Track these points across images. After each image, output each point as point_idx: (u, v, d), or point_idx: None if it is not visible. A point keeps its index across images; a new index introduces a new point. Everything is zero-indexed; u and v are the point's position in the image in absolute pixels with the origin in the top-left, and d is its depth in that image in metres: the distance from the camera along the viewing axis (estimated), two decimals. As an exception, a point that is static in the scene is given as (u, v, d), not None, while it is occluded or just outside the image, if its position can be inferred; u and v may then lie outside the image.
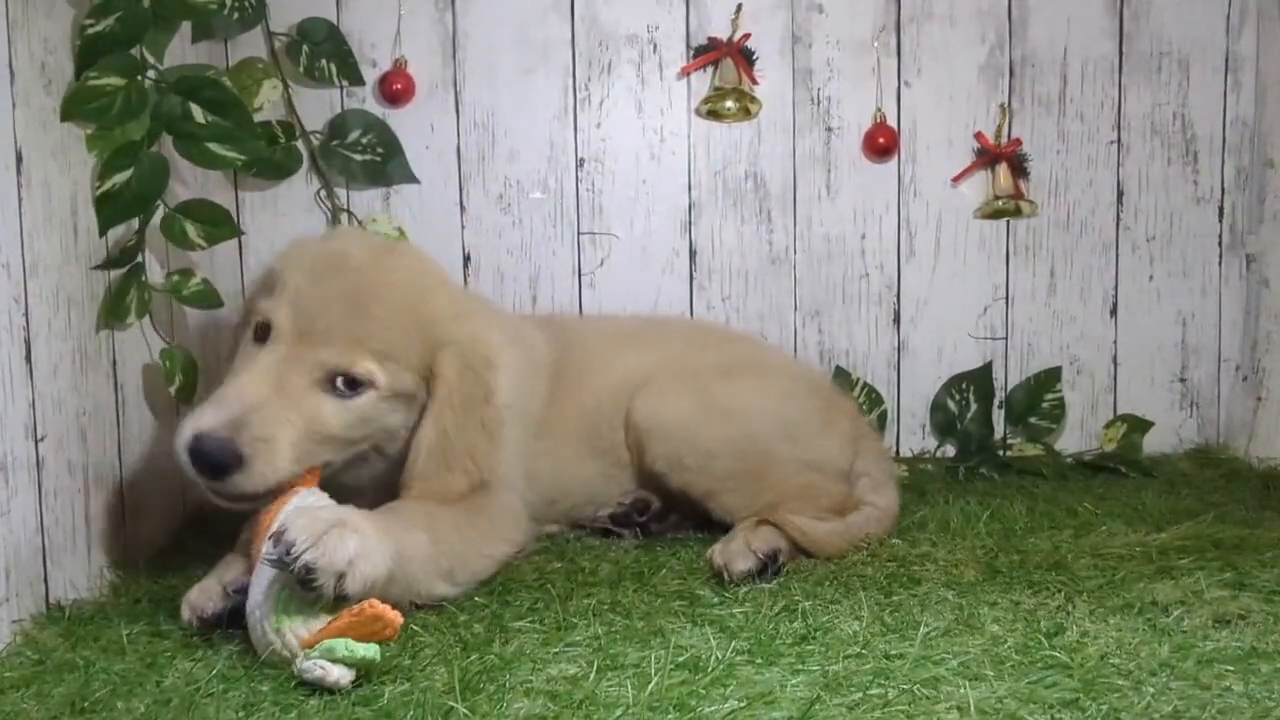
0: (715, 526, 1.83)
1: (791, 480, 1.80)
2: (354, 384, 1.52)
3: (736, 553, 1.63)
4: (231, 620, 1.38)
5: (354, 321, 1.51)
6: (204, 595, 1.44)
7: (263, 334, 1.53)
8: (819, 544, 1.71)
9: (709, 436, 1.80)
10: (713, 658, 1.28)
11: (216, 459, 1.41)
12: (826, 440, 1.89)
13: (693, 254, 2.32)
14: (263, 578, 1.31)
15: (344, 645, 1.22)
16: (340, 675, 1.22)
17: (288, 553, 1.25)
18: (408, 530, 1.43)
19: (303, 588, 1.26)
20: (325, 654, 1.23)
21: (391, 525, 1.40)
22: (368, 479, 1.61)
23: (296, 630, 1.27)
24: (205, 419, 1.43)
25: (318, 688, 1.22)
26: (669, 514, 1.87)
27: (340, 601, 1.27)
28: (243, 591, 1.36)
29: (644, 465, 1.85)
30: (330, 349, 1.50)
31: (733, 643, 1.32)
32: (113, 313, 1.67)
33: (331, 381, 1.51)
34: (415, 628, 1.39)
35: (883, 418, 2.34)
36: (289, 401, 1.46)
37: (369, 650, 1.23)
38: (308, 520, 1.29)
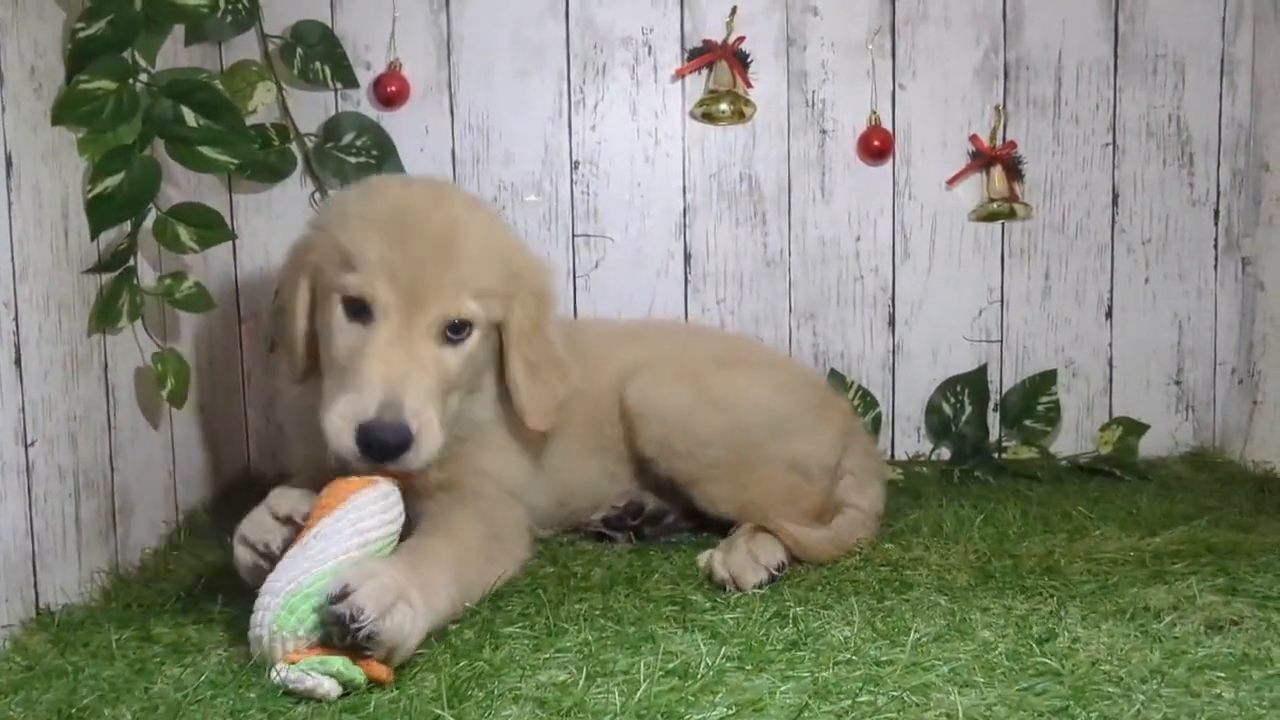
0: (709, 529, 1.83)
1: (778, 479, 1.79)
2: (461, 328, 1.59)
3: (744, 565, 1.61)
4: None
5: (449, 269, 1.56)
6: (261, 529, 1.44)
7: (357, 309, 1.55)
8: (810, 552, 1.70)
9: (700, 424, 1.80)
10: (702, 664, 1.27)
11: (391, 443, 1.45)
12: (817, 436, 1.88)
13: (687, 256, 2.32)
14: (294, 567, 1.31)
15: (343, 663, 1.22)
16: (330, 688, 1.21)
17: (353, 618, 1.23)
18: (443, 586, 1.40)
19: (352, 649, 1.24)
20: (319, 666, 1.22)
21: (429, 584, 1.37)
22: (468, 422, 1.66)
23: (286, 641, 1.26)
24: (366, 407, 1.46)
25: (304, 697, 1.21)
26: (662, 518, 1.87)
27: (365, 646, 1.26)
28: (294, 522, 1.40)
29: (634, 450, 1.84)
30: (439, 303, 1.55)
31: (723, 649, 1.32)
32: (104, 316, 1.66)
33: (444, 333, 1.57)
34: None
35: (877, 420, 2.34)
36: (424, 367, 1.52)
37: (362, 675, 1.23)
38: (376, 587, 1.26)
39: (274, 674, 1.24)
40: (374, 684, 1.24)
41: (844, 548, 1.74)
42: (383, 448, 1.45)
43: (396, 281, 1.54)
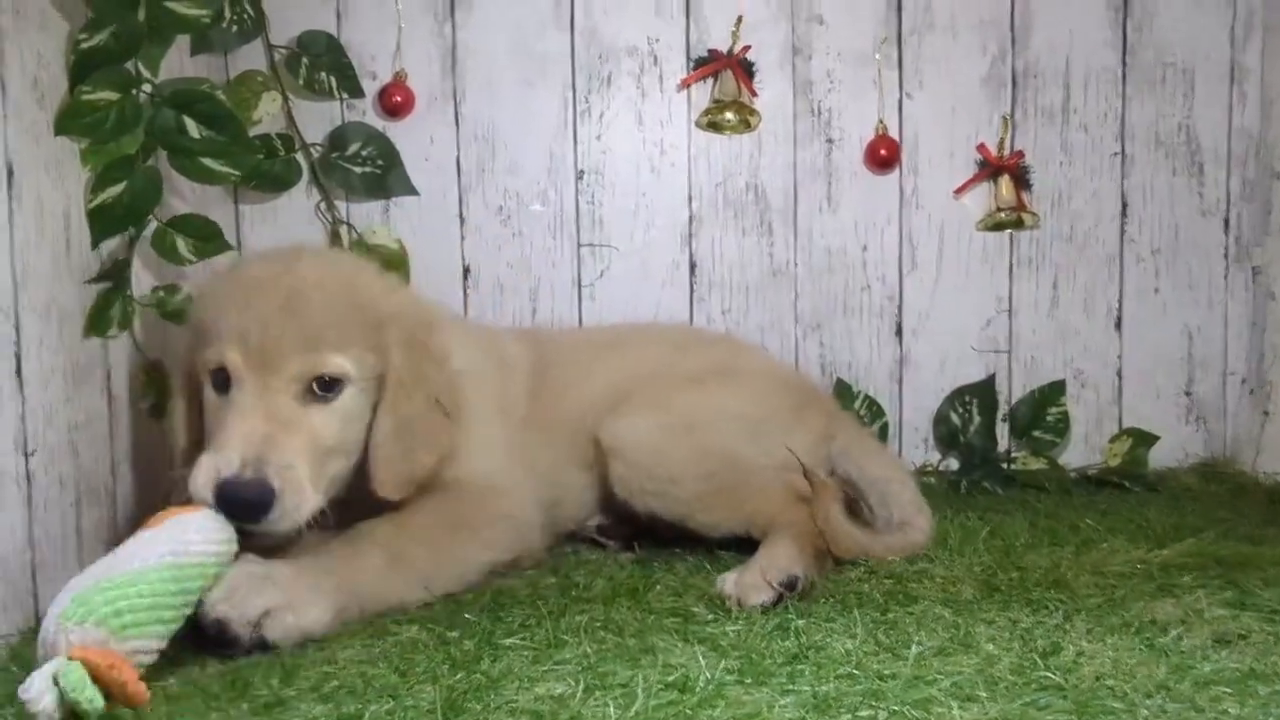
0: (708, 541, 1.81)
1: (772, 483, 1.76)
2: (330, 384, 1.53)
3: (750, 585, 1.55)
4: None
5: (301, 324, 1.51)
6: None
7: (222, 380, 1.52)
8: (839, 541, 1.67)
9: (668, 460, 1.77)
10: (702, 677, 1.26)
11: (250, 498, 1.40)
12: (793, 437, 1.83)
13: (693, 266, 2.31)
14: (98, 566, 1.26)
15: (85, 684, 1.13)
16: (49, 709, 1.13)
17: (220, 625, 1.30)
18: (358, 556, 1.46)
19: (221, 645, 1.30)
20: (68, 681, 1.13)
21: (338, 560, 1.42)
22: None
23: (71, 633, 1.18)
24: (222, 465, 1.41)
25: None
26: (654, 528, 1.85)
27: (260, 649, 1.30)
28: None
29: (606, 488, 1.83)
30: (295, 359, 1.50)
31: (723, 661, 1.31)
32: (94, 326, 1.67)
33: (310, 391, 1.51)
34: (406, 644, 1.38)
35: (884, 430, 2.32)
36: (287, 426, 1.47)
37: (95, 700, 1.14)
38: (229, 577, 1.33)
39: (38, 670, 1.16)
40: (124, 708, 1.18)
41: (873, 556, 1.71)
42: (243, 505, 1.40)
43: (248, 344, 1.49)
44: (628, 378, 1.90)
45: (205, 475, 1.41)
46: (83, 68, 1.60)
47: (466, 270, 2.27)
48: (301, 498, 1.44)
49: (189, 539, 1.33)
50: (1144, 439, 2.34)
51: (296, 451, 1.46)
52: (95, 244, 1.65)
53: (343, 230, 2.22)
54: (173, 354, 1.67)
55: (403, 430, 1.58)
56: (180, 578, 1.29)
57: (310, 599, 1.39)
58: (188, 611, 1.30)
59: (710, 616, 1.50)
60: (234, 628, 1.32)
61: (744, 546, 1.74)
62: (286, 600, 1.37)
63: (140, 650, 1.23)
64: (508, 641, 1.41)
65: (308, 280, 1.56)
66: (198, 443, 1.56)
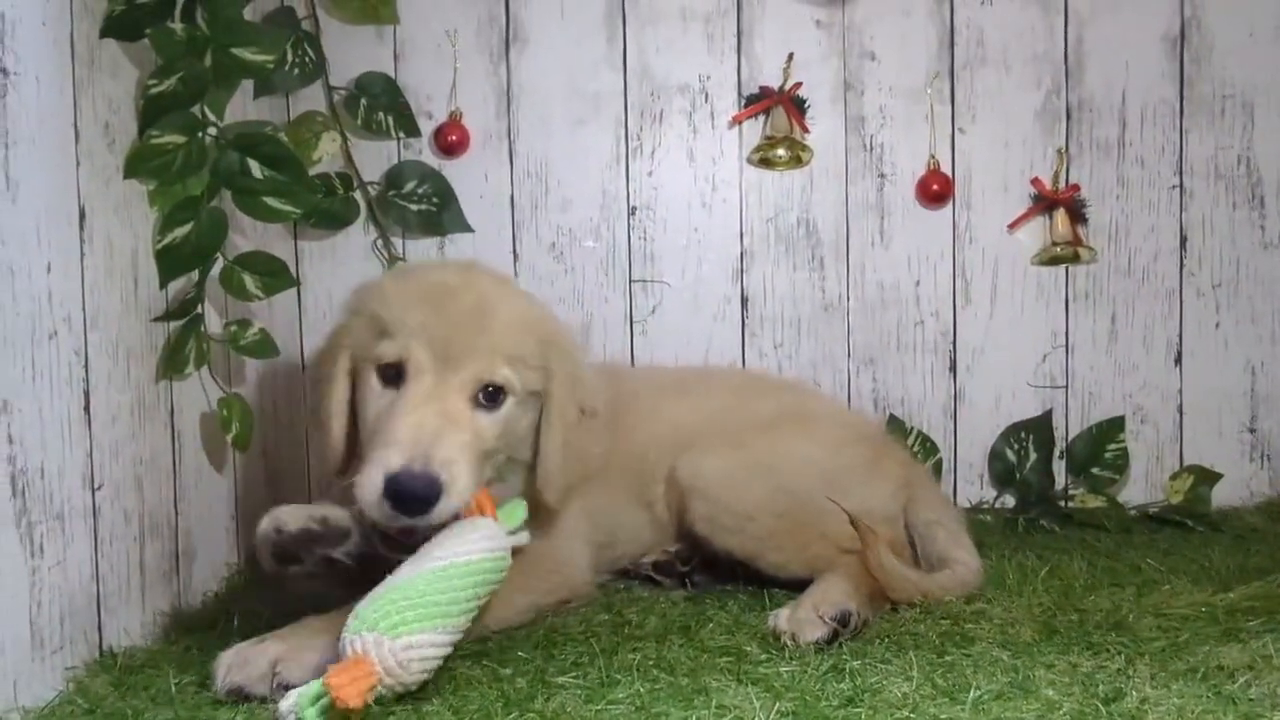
0: (763, 578, 1.80)
1: (842, 529, 1.76)
2: (495, 394, 1.59)
3: (804, 620, 1.56)
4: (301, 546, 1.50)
5: (483, 335, 1.59)
6: (291, 514, 1.52)
7: (392, 375, 1.58)
8: (894, 584, 1.67)
9: (746, 497, 1.78)
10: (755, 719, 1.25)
11: (420, 492, 1.44)
12: (873, 488, 1.85)
13: (745, 301, 2.32)
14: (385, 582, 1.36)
15: (311, 701, 1.23)
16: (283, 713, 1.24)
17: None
18: None
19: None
20: (301, 698, 1.24)
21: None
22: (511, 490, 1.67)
23: (355, 643, 1.28)
24: (392, 459, 1.46)
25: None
26: (714, 564, 1.85)
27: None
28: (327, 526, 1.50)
29: (685, 526, 1.84)
30: (472, 365, 1.57)
31: (777, 704, 1.29)
32: (171, 364, 1.70)
33: (477, 397, 1.57)
34: (460, 681, 1.39)
35: (938, 467, 2.30)
36: (456, 424, 1.53)
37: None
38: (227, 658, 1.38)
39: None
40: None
41: (929, 596, 1.69)
42: (412, 498, 1.44)
43: (432, 343, 1.56)
44: (698, 419, 1.91)
45: (375, 471, 1.46)
46: (151, 112, 1.65)
47: (520, 306, 2.29)
48: (461, 490, 1.48)
49: (452, 546, 1.42)
50: (1206, 476, 2.29)
51: (461, 448, 1.50)
52: (163, 284, 1.69)
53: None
54: (328, 349, 1.69)
55: (565, 445, 1.67)
56: (443, 574, 1.37)
57: (311, 644, 1.38)
58: (467, 610, 1.39)
59: (764, 656, 1.49)
60: (250, 688, 1.33)
61: (800, 588, 1.72)
62: (289, 648, 1.37)
63: (415, 645, 1.29)
64: (560, 680, 1.41)
65: (492, 294, 1.65)
66: (350, 434, 1.64)
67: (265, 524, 1.51)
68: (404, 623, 1.29)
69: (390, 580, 1.36)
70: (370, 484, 1.45)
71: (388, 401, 1.56)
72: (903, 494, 1.90)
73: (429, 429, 1.49)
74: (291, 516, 1.52)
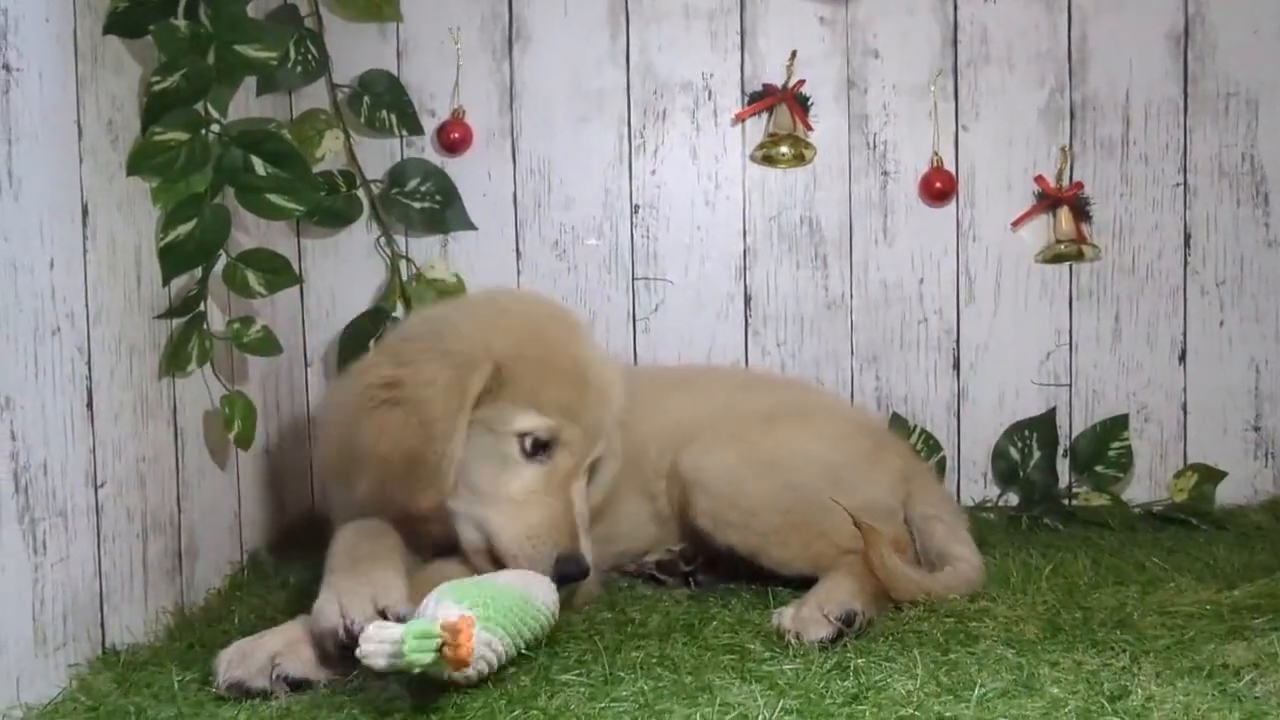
0: (766, 578, 1.80)
1: (845, 527, 1.76)
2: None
3: (808, 619, 1.55)
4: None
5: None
6: (358, 606, 1.39)
7: (537, 448, 1.63)
8: (896, 583, 1.65)
9: (750, 492, 1.78)
10: (759, 717, 1.25)
11: (577, 575, 1.61)
12: (873, 482, 1.84)
13: (748, 299, 2.31)
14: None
15: (427, 636, 1.24)
16: (388, 642, 1.24)
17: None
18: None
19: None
20: (415, 628, 1.24)
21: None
22: None
23: (444, 608, 1.29)
24: (561, 542, 1.59)
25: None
26: (717, 563, 1.84)
27: (291, 689, 1.34)
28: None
29: (688, 521, 1.84)
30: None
31: (781, 701, 1.29)
32: (173, 361, 1.70)
33: None
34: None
35: (941, 465, 2.30)
36: (583, 499, 1.68)
37: (423, 656, 1.23)
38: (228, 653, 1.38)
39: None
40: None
41: (932, 595, 1.68)
42: (571, 578, 1.60)
43: (579, 426, 1.64)
44: (700, 414, 1.91)
45: (540, 548, 1.58)
46: (154, 109, 1.64)
47: (523, 304, 2.29)
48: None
49: (533, 588, 1.49)
50: (1210, 475, 2.28)
51: (585, 521, 1.66)
52: (166, 280, 1.68)
53: (402, 264, 2.25)
54: (448, 390, 1.57)
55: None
56: (525, 601, 1.44)
57: (308, 638, 1.38)
58: (522, 635, 1.42)
59: (767, 654, 1.49)
60: (250, 682, 1.33)
61: (802, 586, 1.72)
62: (286, 642, 1.38)
63: (482, 643, 1.31)
64: (564, 677, 1.40)
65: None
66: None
67: (331, 616, 1.37)
68: (484, 618, 1.33)
69: (479, 579, 1.46)
70: (541, 560, 1.57)
71: (531, 475, 1.62)
72: (902, 488, 1.89)
73: (576, 511, 1.63)
74: (359, 611, 1.37)
